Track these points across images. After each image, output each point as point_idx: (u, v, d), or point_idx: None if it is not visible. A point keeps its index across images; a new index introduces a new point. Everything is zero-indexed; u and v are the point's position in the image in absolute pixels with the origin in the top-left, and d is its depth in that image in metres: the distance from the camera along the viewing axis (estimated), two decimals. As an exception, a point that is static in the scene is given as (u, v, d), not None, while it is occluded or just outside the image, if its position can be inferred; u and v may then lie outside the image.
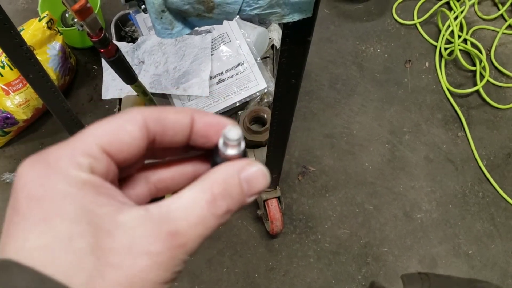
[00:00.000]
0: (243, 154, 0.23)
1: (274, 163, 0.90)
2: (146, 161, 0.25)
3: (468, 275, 1.16)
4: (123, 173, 0.23)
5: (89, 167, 0.20)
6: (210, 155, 0.25)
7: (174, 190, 0.26)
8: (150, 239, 0.19)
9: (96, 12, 1.31)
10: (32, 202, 0.19)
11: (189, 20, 0.45)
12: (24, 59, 0.56)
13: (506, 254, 1.19)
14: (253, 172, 0.22)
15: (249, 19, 1.17)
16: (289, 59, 0.53)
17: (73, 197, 0.19)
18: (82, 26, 0.42)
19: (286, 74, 0.56)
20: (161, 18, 0.43)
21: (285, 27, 0.49)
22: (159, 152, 0.25)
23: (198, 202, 0.20)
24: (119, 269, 0.18)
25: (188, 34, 1.06)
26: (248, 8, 0.43)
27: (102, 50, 0.51)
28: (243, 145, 0.23)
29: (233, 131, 0.22)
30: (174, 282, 0.20)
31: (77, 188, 0.19)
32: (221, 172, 0.21)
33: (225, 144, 0.22)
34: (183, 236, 0.20)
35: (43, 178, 0.19)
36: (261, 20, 1.18)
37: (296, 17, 0.44)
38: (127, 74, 0.59)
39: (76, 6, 0.39)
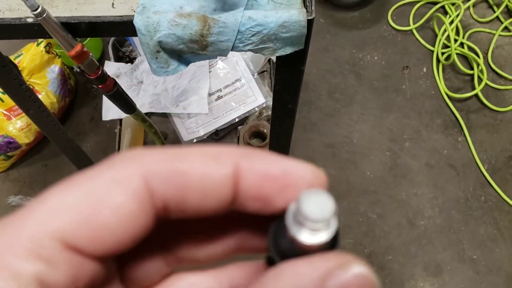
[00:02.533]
0: (333, 242, 0.14)
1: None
2: None
3: (474, 281, 1.16)
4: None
5: (35, 279, 0.12)
6: (268, 223, 0.15)
7: (204, 261, 0.17)
8: None
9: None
10: None
11: (184, 57, 0.46)
12: (24, 97, 0.57)
13: (511, 258, 1.19)
14: (350, 280, 0.12)
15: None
16: (283, 86, 0.54)
17: None
18: (79, 67, 0.43)
19: (281, 100, 0.57)
20: (157, 58, 0.44)
21: (278, 58, 0.49)
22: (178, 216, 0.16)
23: None
24: None
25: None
26: (241, 45, 0.44)
27: (100, 86, 0.52)
28: (334, 225, 0.14)
29: (316, 205, 0.13)
30: None
31: None
32: (290, 279, 0.12)
33: (300, 223, 0.13)
34: None
35: None
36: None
37: (288, 50, 0.45)
38: (126, 105, 0.60)
39: (72, 52, 0.40)
